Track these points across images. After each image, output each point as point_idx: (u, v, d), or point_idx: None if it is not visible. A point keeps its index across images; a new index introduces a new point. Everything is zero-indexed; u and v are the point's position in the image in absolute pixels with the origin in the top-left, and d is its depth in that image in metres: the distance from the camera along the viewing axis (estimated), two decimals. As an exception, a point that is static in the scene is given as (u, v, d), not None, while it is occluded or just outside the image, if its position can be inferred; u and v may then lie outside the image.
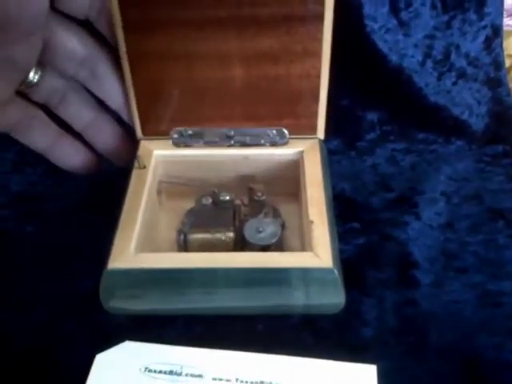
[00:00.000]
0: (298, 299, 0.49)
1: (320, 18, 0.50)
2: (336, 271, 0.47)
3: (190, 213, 0.55)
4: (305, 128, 0.57)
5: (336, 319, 0.49)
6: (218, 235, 0.53)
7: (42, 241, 0.59)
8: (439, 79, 0.70)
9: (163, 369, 0.45)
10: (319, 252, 0.48)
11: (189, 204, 0.57)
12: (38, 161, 0.67)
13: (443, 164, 0.67)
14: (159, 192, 0.59)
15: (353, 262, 0.56)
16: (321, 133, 0.59)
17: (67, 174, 0.63)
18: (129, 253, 0.48)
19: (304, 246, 0.51)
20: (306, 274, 0.47)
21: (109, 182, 0.58)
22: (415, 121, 0.71)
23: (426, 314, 0.50)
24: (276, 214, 0.57)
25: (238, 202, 0.56)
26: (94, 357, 0.43)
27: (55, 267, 0.56)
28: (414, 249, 0.57)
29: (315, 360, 0.44)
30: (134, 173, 0.56)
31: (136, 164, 0.56)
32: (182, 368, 0.45)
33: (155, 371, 0.45)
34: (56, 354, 0.48)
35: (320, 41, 0.52)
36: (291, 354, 0.44)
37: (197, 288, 0.48)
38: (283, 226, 0.56)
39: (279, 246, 0.54)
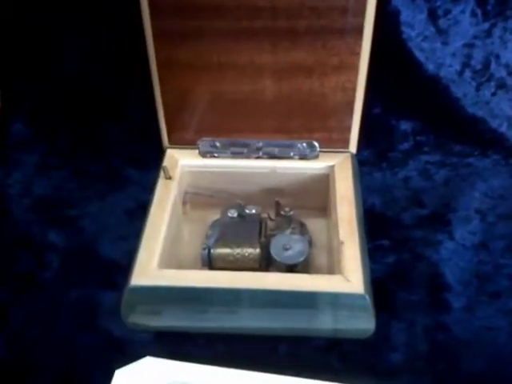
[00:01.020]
0: (325, 323, 0.47)
1: (359, 30, 0.49)
2: (367, 297, 0.45)
3: (215, 225, 0.55)
4: (337, 142, 0.57)
5: (364, 342, 0.48)
6: (243, 251, 0.52)
7: (66, 248, 0.59)
8: (478, 89, 0.68)
9: None
10: (350, 276, 0.46)
11: (214, 216, 0.57)
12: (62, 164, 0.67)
13: (478, 179, 0.67)
14: (184, 203, 0.59)
15: (382, 282, 0.54)
16: (353, 147, 0.58)
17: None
18: (152, 269, 0.47)
19: (333, 267, 0.50)
20: (335, 299, 0.45)
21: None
22: (451, 132, 0.70)
23: (458, 341, 0.50)
24: (303, 230, 0.56)
25: (264, 215, 0.56)
26: (113, 372, 0.42)
27: (78, 277, 0.56)
28: (446, 270, 0.56)
29: None
30: (160, 183, 0.55)
31: (162, 174, 0.55)
32: None
33: None
34: (74, 368, 0.48)
35: (358, 54, 0.50)
36: (315, 377, 0.42)
37: (220, 307, 0.47)
38: (310, 243, 0.55)
39: (306, 265, 0.52)
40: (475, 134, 0.69)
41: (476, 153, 0.69)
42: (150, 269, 0.47)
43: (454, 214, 0.62)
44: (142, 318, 0.49)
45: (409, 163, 0.69)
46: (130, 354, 0.44)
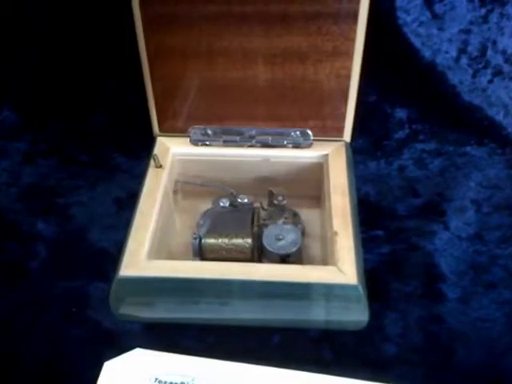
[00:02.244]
0: (318, 315, 0.47)
1: (354, 16, 0.48)
2: (361, 288, 0.45)
3: (207, 215, 0.54)
4: (331, 130, 0.56)
5: (357, 334, 0.48)
6: (235, 241, 0.51)
7: (54, 238, 0.59)
8: (474, 77, 0.67)
9: (174, 380, 0.43)
10: (343, 267, 0.45)
11: (205, 205, 0.56)
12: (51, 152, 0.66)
13: (474, 169, 0.66)
14: (175, 192, 0.58)
15: (376, 273, 0.54)
16: (347, 135, 0.57)
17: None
18: (141, 259, 0.46)
19: (327, 258, 0.49)
20: (328, 290, 0.45)
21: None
22: (447, 120, 0.69)
23: (453, 332, 0.49)
24: (296, 219, 0.55)
25: (256, 205, 0.55)
26: (101, 365, 0.42)
27: (66, 267, 0.55)
28: (441, 260, 0.55)
29: (333, 378, 0.42)
30: (150, 172, 0.54)
31: (152, 162, 0.54)
32: (193, 380, 0.43)
33: (165, 382, 0.43)
34: (62, 361, 0.47)
35: (353, 40, 0.49)
36: (308, 369, 0.42)
37: (211, 298, 0.47)
38: (303, 233, 0.54)
39: (299, 255, 0.51)
40: (471, 123, 0.69)
41: (472, 141, 0.69)
42: (139, 259, 0.46)
43: (449, 204, 0.61)
44: (132, 309, 0.48)
45: (404, 152, 0.68)
46: (119, 346, 0.44)
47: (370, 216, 0.59)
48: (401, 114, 0.70)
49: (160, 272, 0.46)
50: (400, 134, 0.70)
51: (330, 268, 0.46)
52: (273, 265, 0.48)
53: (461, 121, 0.69)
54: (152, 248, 0.48)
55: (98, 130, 0.71)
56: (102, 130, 0.71)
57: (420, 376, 0.46)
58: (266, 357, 0.43)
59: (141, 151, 0.59)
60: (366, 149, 0.68)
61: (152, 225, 0.49)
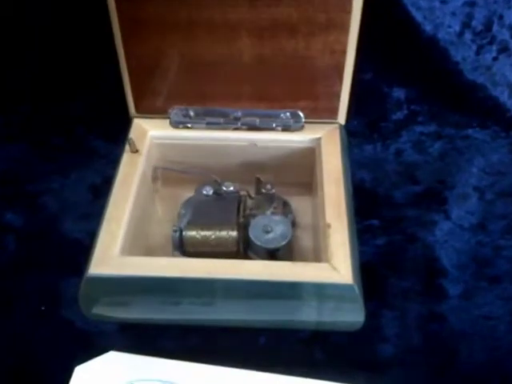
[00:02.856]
0: (310, 316, 0.44)
1: (350, -15, 0.45)
2: (357, 288, 0.42)
3: (188, 204, 0.52)
4: (324, 111, 0.53)
5: (351, 334, 0.46)
6: (220, 234, 0.48)
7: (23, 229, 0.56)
8: (478, 53, 0.65)
9: None
10: (337, 263, 0.43)
11: (187, 194, 0.54)
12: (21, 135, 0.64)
13: (476, 153, 0.64)
14: (154, 179, 0.55)
15: (371, 267, 0.51)
16: (342, 117, 0.54)
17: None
18: (113, 256, 0.44)
19: (319, 253, 0.46)
20: (321, 290, 0.42)
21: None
22: (448, 100, 0.67)
23: (454, 331, 0.47)
24: (286, 209, 0.53)
25: (243, 193, 0.53)
26: (72, 369, 0.41)
27: (36, 261, 0.53)
28: (442, 253, 0.53)
29: (325, 383, 0.41)
30: (125, 157, 0.51)
31: (127, 147, 0.51)
32: None
33: None
34: (30, 365, 0.45)
35: (349, 12, 0.46)
36: (298, 372, 0.41)
37: (193, 298, 0.44)
38: (294, 224, 0.52)
39: (289, 249, 0.49)
40: (474, 103, 0.67)
41: (474, 124, 0.67)
42: (111, 256, 0.44)
43: (450, 191, 0.59)
44: (104, 309, 0.45)
45: (402, 135, 0.66)
46: (92, 348, 0.43)
47: (365, 204, 0.57)
48: (398, 93, 0.68)
49: (134, 270, 0.43)
50: (398, 116, 0.68)
51: (322, 265, 0.43)
52: (260, 262, 0.46)
53: (463, 101, 0.67)
54: (126, 242, 0.45)
55: (71, 111, 0.68)
56: (76, 110, 0.68)
57: (419, 379, 0.45)
58: (252, 360, 0.42)
59: (119, 134, 0.56)
60: (360, 131, 0.66)
61: (126, 216, 0.46)
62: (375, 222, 0.56)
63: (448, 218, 0.57)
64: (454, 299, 0.49)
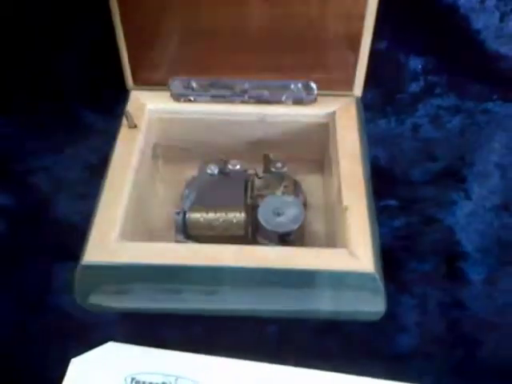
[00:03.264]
0: (324, 306, 0.42)
1: None
2: (378, 277, 0.39)
3: (192, 184, 0.50)
4: (339, 83, 0.51)
5: (367, 323, 0.44)
6: (226, 216, 0.46)
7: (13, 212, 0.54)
8: (501, 21, 0.61)
9: (154, 380, 0.39)
10: (356, 250, 0.40)
11: (190, 173, 0.52)
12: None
13: (498, 128, 0.62)
14: (154, 157, 0.53)
15: (388, 250, 0.49)
16: (358, 89, 0.52)
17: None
18: (111, 241, 0.41)
19: (335, 237, 0.44)
20: (338, 279, 0.40)
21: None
22: (468, 71, 0.65)
23: (477, 320, 0.46)
24: (297, 189, 0.51)
25: (250, 172, 0.51)
26: (68, 361, 0.39)
27: (28, 246, 0.51)
28: (463, 235, 0.52)
29: (340, 375, 0.39)
30: (122, 133, 0.48)
31: (124, 121, 0.49)
32: (177, 380, 0.39)
33: (144, 383, 0.39)
34: (23, 356, 0.44)
35: None
36: (310, 365, 0.40)
37: (197, 286, 0.42)
38: (305, 205, 0.49)
39: (301, 233, 0.47)
40: (496, 74, 0.64)
41: (496, 96, 0.64)
42: (108, 241, 0.41)
43: (470, 169, 0.58)
44: (101, 299, 0.43)
45: (418, 108, 0.64)
46: (89, 339, 0.41)
47: (381, 184, 0.53)
48: (415, 63, 0.65)
49: (134, 257, 0.40)
50: (414, 88, 0.65)
51: (340, 251, 0.41)
52: (270, 247, 0.43)
53: (484, 72, 0.65)
54: (124, 227, 0.43)
55: (65, 82, 0.65)
56: (71, 81, 0.65)
57: (440, 372, 0.43)
58: (260, 351, 0.41)
59: (117, 107, 0.54)
60: (374, 104, 0.63)
61: (124, 198, 0.44)
62: (392, 202, 0.54)
63: (469, 197, 0.55)
64: (477, 285, 0.48)
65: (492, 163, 0.58)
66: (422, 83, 0.65)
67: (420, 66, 0.65)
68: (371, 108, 0.62)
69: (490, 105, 0.64)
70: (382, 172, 0.57)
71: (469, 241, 0.51)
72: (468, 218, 0.53)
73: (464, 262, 0.49)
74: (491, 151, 0.59)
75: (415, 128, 0.62)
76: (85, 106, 0.63)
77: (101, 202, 0.43)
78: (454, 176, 0.57)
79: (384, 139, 0.60)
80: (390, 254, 0.49)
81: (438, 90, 0.65)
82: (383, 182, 0.55)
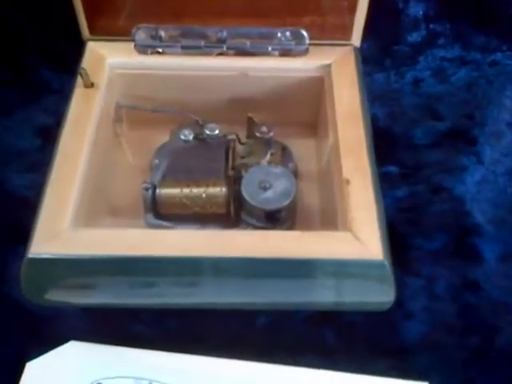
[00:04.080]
0: (325, 297, 0.38)
1: None
2: (387, 264, 0.35)
3: (163, 153, 0.47)
4: (334, 30, 0.47)
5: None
6: (203, 191, 0.43)
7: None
8: None
9: None
10: (361, 233, 0.36)
11: (160, 139, 0.48)
12: None
13: (508, 82, 0.60)
14: (117, 121, 0.49)
15: (390, 224, 0.44)
16: (357, 38, 0.48)
17: None
18: (63, 228, 0.36)
19: (333, 216, 0.40)
20: (341, 269, 0.36)
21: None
22: (473, 19, 0.62)
23: (494, 303, 0.43)
24: (286, 156, 0.48)
25: (231, 137, 0.48)
26: (24, 365, 0.37)
27: None
28: (474, 206, 0.49)
29: (338, 373, 0.37)
30: (77, 93, 0.44)
31: (79, 79, 0.43)
32: None
33: None
34: None
35: None
36: (304, 361, 0.37)
37: (172, 279, 0.37)
38: (296, 175, 0.46)
39: (292, 209, 0.43)
40: (505, 22, 0.62)
41: (505, 47, 0.62)
42: (60, 228, 0.36)
43: (480, 129, 0.55)
44: (58, 294, 0.38)
45: (419, 60, 0.62)
46: (47, 338, 0.39)
47: (380, 147, 0.49)
48: (416, 9, 0.62)
49: (90, 248, 0.36)
50: (414, 37, 0.63)
51: (341, 235, 0.37)
52: (258, 232, 0.40)
53: (491, 20, 0.62)
54: (81, 208, 0.38)
55: (15, 33, 0.61)
56: (21, 32, 0.61)
57: (453, 364, 0.40)
58: (247, 347, 0.39)
59: (75, 62, 0.49)
60: (371, 56, 0.61)
61: (80, 171, 0.40)
62: (393, 168, 0.52)
63: (480, 162, 0.52)
64: (491, 263, 0.46)
65: (503, 122, 0.56)
66: (423, 32, 0.63)
67: (421, 13, 0.62)
68: (368, 60, 0.57)
69: (498, 56, 0.62)
70: (380, 133, 0.54)
71: (481, 212, 0.49)
72: (479, 185, 0.51)
73: (477, 237, 0.47)
74: (502, 108, 0.58)
75: (416, 82, 0.60)
76: (40, 62, 0.60)
77: (51, 178, 0.38)
78: (462, 137, 0.54)
79: (382, 95, 0.58)
80: (393, 230, 0.44)
81: (440, 40, 0.63)
82: (382, 146, 0.51)
